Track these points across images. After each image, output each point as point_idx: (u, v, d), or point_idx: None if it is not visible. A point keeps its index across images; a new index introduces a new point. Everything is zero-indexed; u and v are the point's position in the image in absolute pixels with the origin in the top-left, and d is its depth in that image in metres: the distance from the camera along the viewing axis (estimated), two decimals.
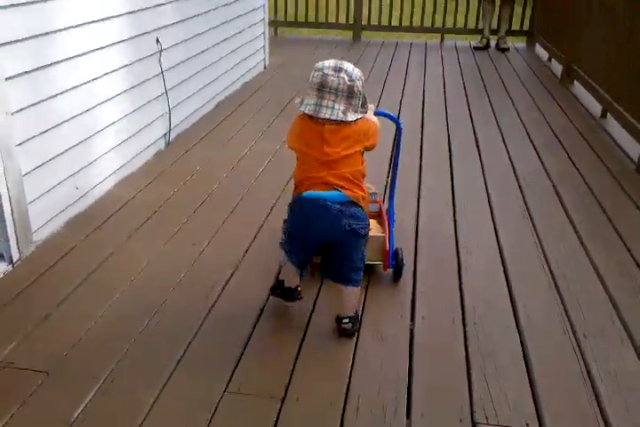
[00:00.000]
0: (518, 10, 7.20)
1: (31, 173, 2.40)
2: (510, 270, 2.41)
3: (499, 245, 2.61)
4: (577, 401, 1.76)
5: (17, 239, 2.34)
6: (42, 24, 2.41)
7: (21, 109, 2.31)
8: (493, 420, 1.68)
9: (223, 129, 3.99)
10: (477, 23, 7.27)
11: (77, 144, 2.72)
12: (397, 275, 2.33)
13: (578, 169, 3.44)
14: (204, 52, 4.10)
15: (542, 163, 3.53)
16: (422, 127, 4.15)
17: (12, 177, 2.27)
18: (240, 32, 4.88)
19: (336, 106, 1.75)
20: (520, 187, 3.20)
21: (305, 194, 1.86)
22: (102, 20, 2.83)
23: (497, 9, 7.01)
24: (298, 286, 2.12)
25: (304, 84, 1.86)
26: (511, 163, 3.53)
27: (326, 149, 1.80)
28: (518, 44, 7.29)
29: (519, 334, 2.04)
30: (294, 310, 2.14)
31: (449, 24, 7.42)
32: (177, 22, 3.63)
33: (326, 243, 1.95)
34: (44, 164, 2.49)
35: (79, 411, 1.66)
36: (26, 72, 2.33)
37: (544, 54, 6.56)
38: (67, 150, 2.64)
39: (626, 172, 3.42)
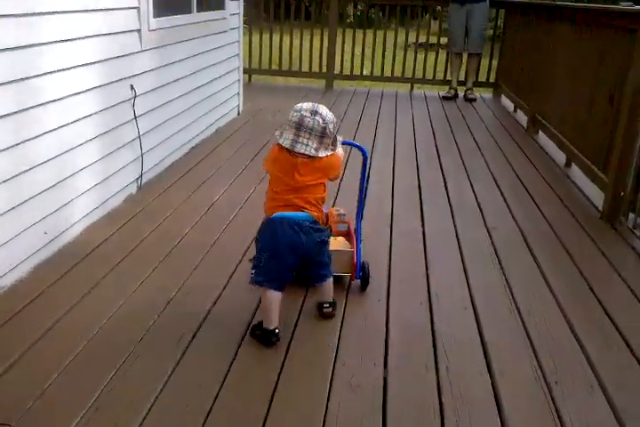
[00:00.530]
0: (485, 63, 7.48)
1: None
2: (481, 315, 2.42)
3: (469, 289, 2.63)
4: None
5: None
6: (18, 70, 2.42)
7: None
8: None
9: (195, 174, 4.00)
10: (445, 75, 7.53)
11: (48, 189, 2.70)
12: (364, 285, 2.58)
13: (545, 216, 3.51)
14: (178, 98, 4.15)
15: (509, 208, 3.61)
16: (393, 173, 4.21)
17: None
18: (215, 79, 4.97)
19: (310, 143, 2.03)
20: (489, 232, 3.25)
21: (276, 215, 2.12)
22: (77, 66, 2.86)
23: (464, 62, 7.27)
24: (276, 329, 2.18)
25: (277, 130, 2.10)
26: (480, 209, 3.60)
27: (297, 178, 2.07)
28: (485, 94, 7.54)
29: (492, 380, 2.03)
30: (262, 364, 2.11)
31: (418, 75, 7.66)
32: (152, 70, 3.69)
33: (304, 259, 2.17)
34: (12, 209, 2.46)
35: None
36: (0, 116, 2.32)
37: (510, 105, 6.79)
38: (37, 195, 2.61)
39: (591, 219, 3.51)
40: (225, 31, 5.17)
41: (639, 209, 3.26)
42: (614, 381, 2.06)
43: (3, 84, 2.32)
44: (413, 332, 2.32)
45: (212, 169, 4.11)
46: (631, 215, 3.32)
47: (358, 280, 2.57)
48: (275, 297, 2.15)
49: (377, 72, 7.64)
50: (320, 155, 2.04)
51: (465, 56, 7.23)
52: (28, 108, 2.51)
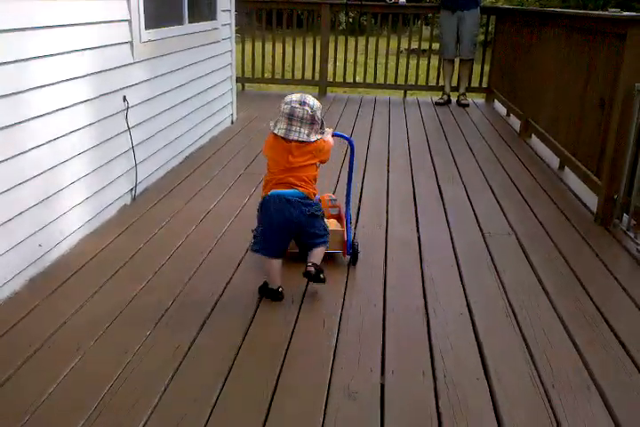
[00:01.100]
0: (477, 68, 7.52)
1: None
2: (477, 320, 2.43)
3: (465, 295, 2.63)
4: None
5: None
6: (10, 84, 2.43)
7: None
8: None
9: (190, 184, 4.00)
10: (438, 81, 7.56)
11: (42, 201, 2.70)
12: (354, 260, 2.88)
13: (539, 220, 3.53)
14: (171, 108, 4.16)
15: (504, 213, 3.62)
16: (388, 180, 4.22)
17: None
18: (208, 89, 4.98)
19: (301, 130, 2.35)
20: (484, 237, 3.26)
21: (271, 193, 2.41)
22: (69, 79, 2.87)
23: (456, 68, 7.31)
24: (280, 287, 2.52)
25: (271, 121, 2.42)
26: (474, 214, 3.61)
27: (291, 159, 2.38)
28: (478, 100, 7.58)
29: (489, 386, 2.03)
30: (260, 370, 2.11)
31: (411, 82, 7.69)
32: (144, 81, 3.70)
33: (296, 230, 2.45)
34: (6, 222, 2.45)
35: None
36: None
37: (502, 110, 6.82)
38: (30, 207, 2.61)
39: (585, 222, 3.52)
40: (217, 41, 5.19)
41: (633, 211, 3.27)
42: (611, 384, 2.06)
43: None
44: (410, 337, 2.32)
45: (206, 178, 4.12)
46: (625, 217, 3.33)
47: (349, 257, 2.87)
48: (272, 263, 2.48)
49: (370, 79, 7.67)
50: (311, 139, 2.36)
51: (457, 62, 7.27)
52: (20, 122, 2.51)
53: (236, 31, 6.00)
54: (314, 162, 2.43)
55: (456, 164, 4.69)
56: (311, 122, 2.35)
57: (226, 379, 2.03)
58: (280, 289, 2.52)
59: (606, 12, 3.88)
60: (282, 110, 2.36)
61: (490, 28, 7.66)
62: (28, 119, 2.57)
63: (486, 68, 7.55)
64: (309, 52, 7.55)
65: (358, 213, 3.56)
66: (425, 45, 7.69)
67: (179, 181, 4.03)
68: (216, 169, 4.34)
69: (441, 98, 7.33)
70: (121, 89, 3.38)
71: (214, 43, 5.12)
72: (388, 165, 4.60)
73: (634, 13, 3.72)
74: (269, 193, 2.42)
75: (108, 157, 3.30)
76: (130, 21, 3.45)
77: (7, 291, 2.49)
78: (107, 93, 3.23)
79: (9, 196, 2.46)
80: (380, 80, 7.69)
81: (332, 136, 2.55)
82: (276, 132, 2.37)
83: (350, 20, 10.54)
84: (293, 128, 2.34)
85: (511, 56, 6.59)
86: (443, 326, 2.39)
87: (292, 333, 2.31)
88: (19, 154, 2.52)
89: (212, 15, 5.08)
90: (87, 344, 2.19)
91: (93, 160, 3.15)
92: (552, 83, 4.94)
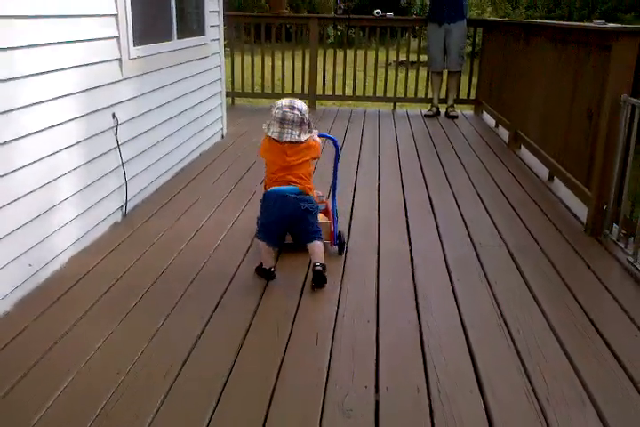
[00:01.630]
0: (465, 79, 7.57)
1: None
2: (471, 334, 2.42)
3: (458, 308, 2.63)
4: None
5: None
6: (0, 103, 2.42)
7: None
8: None
9: (181, 199, 3.99)
10: (427, 93, 7.61)
11: (32, 220, 2.68)
12: (341, 249, 3.14)
13: (530, 231, 3.54)
14: (161, 124, 4.16)
15: (495, 224, 3.63)
16: (379, 191, 4.23)
17: None
18: (198, 104, 4.99)
19: (293, 132, 2.62)
20: (475, 248, 3.26)
21: (271, 189, 2.69)
22: (58, 97, 2.87)
23: (445, 80, 7.37)
24: (272, 268, 2.82)
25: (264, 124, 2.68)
26: (465, 225, 3.61)
27: (287, 159, 2.66)
28: (466, 111, 7.62)
29: (484, 400, 2.03)
30: (253, 388, 2.09)
31: (400, 94, 7.73)
32: (133, 97, 3.70)
33: (292, 223, 2.73)
34: None
35: None
36: None
37: (491, 121, 6.86)
38: (20, 227, 2.60)
39: (575, 232, 3.53)
40: (206, 57, 5.21)
41: (622, 221, 3.29)
42: (606, 398, 2.05)
43: None
44: (403, 352, 2.31)
45: (197, 194, 4.11)
46: (615, 228, 3.35)
47: (336, 246, 3.14)
48: (267, 248, 2.77)
49: (359, 92, 7.71)
50: (302, 139, 2.64)
51: (445, 73, 7.33)
52: (10, 141, 2.51)
53: (225, 45, 6.02)
54: (307, 159, 2.71)
55: (446, 175, 4.71)
56: (300, 124, 2.62)
57: (219, 397, 2.01)
58: (272, 269, 2.82)
59: (591, 24, 3.91)
60: (274, 115, 2.63)
61: (477, 40, 7.71)
62: (18, 138, 2.56)
63: (474, 79, 7.61)
64: (298, 65, 7.59)
65: (350, 225, 3.56)
66: (413, 57, 7.75)
67: (169, 197, 4.02)
68: (207, 184, 4.33)
69: (430, 110, 7.38)
70: (110, 106, 3.38)
71: (203, 58, 5.14)
72: (379, 177, 4.61)
73: (618, 25, 3.76)
74: (269, 189, 2.71)
75: (98, 175, 3.29)
76: (118, 38, 3.45)
77: None
78: (96, 111, 3.23)
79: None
80: (370, 93, 7.73)
81: (318, 136, 2.84)
82: (270, 135, 2.64)
83: (339, 33, 10.61)
84: (286, 130, 2.61)
85: (499, 67, 6.65)
86: (436, 340, 2.39)
87: (286, 349, 2.30)
88: (9, 173, 2.51)
89: (200, 31, 5.10)
90: (78, 366, 2.17)
91: (83, 178, 3.14)
92: (540, 94, 4.98)
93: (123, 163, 3.52)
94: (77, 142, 3.06)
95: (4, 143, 2.47)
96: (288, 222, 2.73)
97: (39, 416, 1.90)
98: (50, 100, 2.80)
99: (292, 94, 7.79)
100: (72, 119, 3.00)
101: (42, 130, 2.74)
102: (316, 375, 2.14)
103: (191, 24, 4.96)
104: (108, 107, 3.36)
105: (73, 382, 2.07)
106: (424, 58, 7.57)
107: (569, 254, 3.24)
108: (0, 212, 2.46)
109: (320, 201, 3.16)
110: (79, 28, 3.05)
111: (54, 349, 2.27)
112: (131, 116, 3.66)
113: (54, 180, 2.86)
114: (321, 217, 3.12)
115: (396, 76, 7.58)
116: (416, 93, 7.69)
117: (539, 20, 5.53)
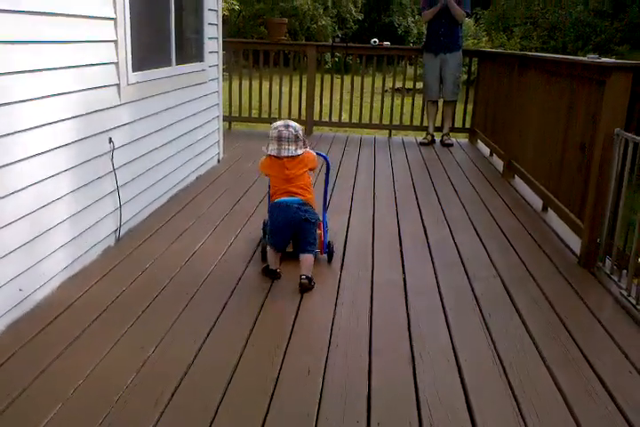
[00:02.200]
0: (460, 107, 7.65)
1: None
2: (464, 368, 2.40)
3: (451, 340, 2.62)
4: None
5: None
6: None
7: None
8: None
9: (175, 224, 3.98)
10: (422, 121, 7.68)
11: (23, 245, 2.67)
12: (330, 258, 3.41)
13: (524, 262, 3.54)
14: (157, 149, 4.17)
15: (489, 256, 3.63)
16: (373, 221, 4.23)
17: None
18: (194, 129, 5.02)
19: (290, 147, 2.97)
20: (469, 280, 3.26)
21: (276, 200, 3.04)
22: (55, 122, 2.88)
23: (440, 108, 7.44)
24: (278, 269, 3.13)
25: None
26: (459, 256, 3.61)
27: (286, 172, 3.02)
28: (461, 140, 7.68)
29: None
30: (249, 412, 2.06)
31: (396, 121, 7.80)
32: (131, 122, 3.71)
33: (294, 231, 3.02)
34: None
35: None
36: None
37: (486, 150, 6.91)
38: (11, 252, 2.58)
39: (569, 264, 3.54)
40: (204, 82, 5.25)
41: (615, 254, 3.30)
42: None
43: None
44: (396, 386, 2.29)
45: (192, 218, 4.10)
46: (608, 260, 3.35)
47: (325, 255, 3.39)
48: (273, 251, 3.09)
49: (355, 118, 7.77)
50: (299, 153, 3.00)
51: (440, 102, 7.40)
52: (6, 165, 2.51)
53: (223, 70, 6.07)
54: (305, 170, 3.06)
55: (441, 204, 4.72)
56: (295, 139, 2.98)
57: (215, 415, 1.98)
58: (278, 270, 3.13)
59: (585, 59, 3.97)
60: (271, 135, 2.99)
61: (472, 69, 7.80)
62: (15, 162, 2.57)
63: (470, 107, 7.68)
64: (296, 90, 7.66)
65: (344, 255, 3.55)
66: (409, 84, 7.84)
67: (164, 222, 4.01)
68: (202, 209, 4.33)
69: (425, 138, 7.43)
70: (107, 131, 3.39)
71: (201, 84, 5.18)
72: (374, 206, 4.62)
73: (612, 60, 3.82)
74: (275, 200, 3.05)
75: (93, 199, 3.29)
76: (117, 64, 3.48)
77: None
78: (92, 135, 3.24)
79: None
80: (366, 119, 7.80)
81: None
82: (269, 153, 3.00)
83: (336, 59, 10.74)
84: (283, 146, 2.96)
85: (493, 98, 6.73)
86: (429, 374, 2.37)
87: (277, 381, 2.27)
88: (5, 196, 2.50)
89: (199, 57, 5.15)
90: (67, 393, 2.14)
91: (78, 202, 3.13)
92: (534, 125, 5.03)
93: (118, 187, 3.52)
94: (73, 167, 3.06)
95: (1, 167, 2.47)
96: (290, 229, 3.03)
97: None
98: (46, 124, 2.81)
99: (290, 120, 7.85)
100: (68, 144, 3.01)
101: (37, 154, 2.74)
102: (308, 409, 2.12)
103: (190, 50, 5.01)
104: (104, 131, 3.37)
105: (60, 411, 2.04)
106: (420, 85, 7.66)
107: (562, 287, 3.24)
108: None
109: None
110: (78, 53, 3.07)
111: (45, 372, 2.24)
112: (127, 140, 3.67)
113: (48, 204, 2.85)
114: None
115: (392, 104, 7.65)
116: (412, 121, 7.76)
117: (533, 53, 5.60)
